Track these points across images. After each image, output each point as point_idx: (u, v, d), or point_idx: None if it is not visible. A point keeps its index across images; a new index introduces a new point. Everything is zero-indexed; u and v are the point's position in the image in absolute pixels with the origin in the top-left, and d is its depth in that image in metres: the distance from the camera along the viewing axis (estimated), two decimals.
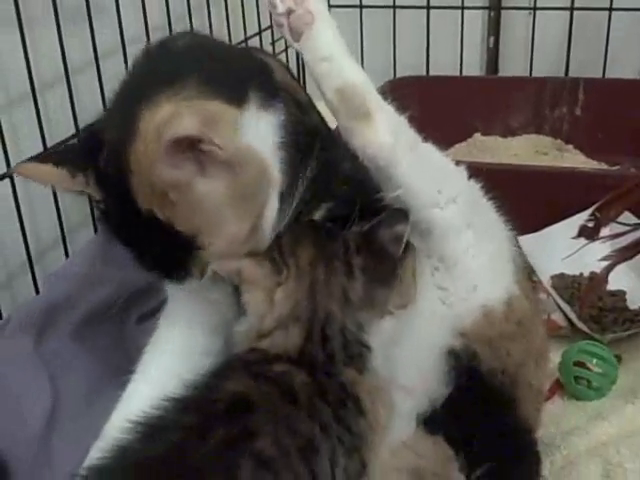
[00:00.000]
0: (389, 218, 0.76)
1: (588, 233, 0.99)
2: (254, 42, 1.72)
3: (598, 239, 0.99)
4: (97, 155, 0.71)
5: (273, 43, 1.66)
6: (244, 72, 0.75)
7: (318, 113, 0.86)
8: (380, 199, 0.79)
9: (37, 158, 0.78)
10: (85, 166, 0.73)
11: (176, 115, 0.66)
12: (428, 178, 0.79)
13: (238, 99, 0.72)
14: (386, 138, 0.76)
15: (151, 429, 0.64)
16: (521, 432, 0.82)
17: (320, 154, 0.79)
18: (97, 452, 0.79)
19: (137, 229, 0.71)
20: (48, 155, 0.87)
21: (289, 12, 0.79)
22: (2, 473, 0.84)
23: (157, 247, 0.72)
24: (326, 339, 0.71)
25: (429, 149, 0.82)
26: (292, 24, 0.79)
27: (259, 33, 1.75)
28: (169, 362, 0.85)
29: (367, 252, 0.74)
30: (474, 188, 0.85)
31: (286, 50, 1.59)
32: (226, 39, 1.63)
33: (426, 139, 0.83)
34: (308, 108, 0.85)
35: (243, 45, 1.70)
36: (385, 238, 0.74)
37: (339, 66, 0.78)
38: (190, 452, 0.61)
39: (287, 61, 1.40)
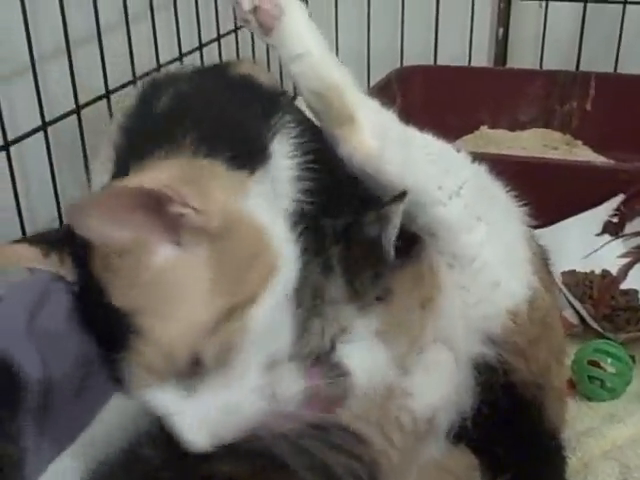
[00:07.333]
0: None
1: (612, 229, 0.96)
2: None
3: (622, 236, 0.96)
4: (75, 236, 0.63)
5: None
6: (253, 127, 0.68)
7: None
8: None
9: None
10: (61, 245, 0.65)
11: (151, 170, 0.59)
12: (424, 175, 0.72)
13: (245, 159, 0.63)
14: (372, 143, 0.71)
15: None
16: (547, 436, 0.77)
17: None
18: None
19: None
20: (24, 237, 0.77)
21: (255, 9, 0.72)
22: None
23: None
24: None
25: (423, 142, 0.76)
26: (260, 19, 0.73)
27: None
28: None
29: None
30: (480, 173, 0.78)
31: None
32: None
33: (427, 130, 0.77)
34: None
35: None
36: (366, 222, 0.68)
37: (315, 64, 0.72)
38: None
39: None
